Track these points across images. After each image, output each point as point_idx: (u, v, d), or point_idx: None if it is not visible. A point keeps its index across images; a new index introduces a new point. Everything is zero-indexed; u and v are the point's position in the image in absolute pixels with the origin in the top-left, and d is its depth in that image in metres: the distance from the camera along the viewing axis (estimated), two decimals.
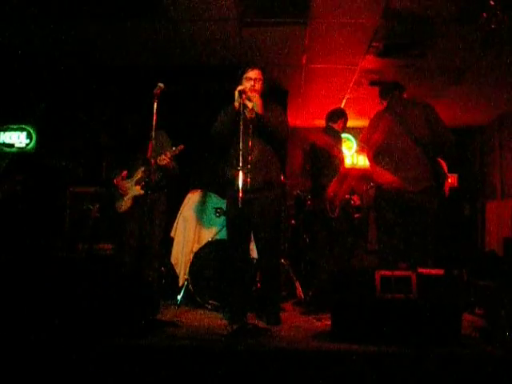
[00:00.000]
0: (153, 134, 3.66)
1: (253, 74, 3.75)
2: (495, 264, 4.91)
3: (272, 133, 3.74)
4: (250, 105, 3.60)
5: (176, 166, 4.41)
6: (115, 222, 4.69)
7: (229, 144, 3.78)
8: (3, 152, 6.48)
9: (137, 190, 4.39)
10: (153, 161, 3.97)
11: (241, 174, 3.30)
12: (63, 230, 5.79)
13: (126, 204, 4.44)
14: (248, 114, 3.63)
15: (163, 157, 4.25)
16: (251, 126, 3.61)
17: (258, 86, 3.74)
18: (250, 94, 3.61)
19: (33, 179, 6.04)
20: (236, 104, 3.59)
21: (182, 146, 4.28)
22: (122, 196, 4.46)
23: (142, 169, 4.39)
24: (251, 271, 4.28)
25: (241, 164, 3.32)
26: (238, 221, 3.65)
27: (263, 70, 3.83)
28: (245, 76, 3.75)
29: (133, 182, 4.43)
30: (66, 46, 5.35)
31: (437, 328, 2.84)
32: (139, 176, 4.40)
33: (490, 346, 2.88)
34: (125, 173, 4.44)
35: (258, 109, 3.64)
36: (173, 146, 4.37)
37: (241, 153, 3.32)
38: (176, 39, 5.19)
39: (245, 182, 3.34)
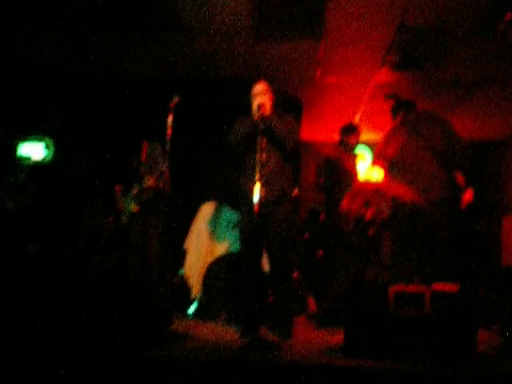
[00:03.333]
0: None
1: (258, 88, 3.77)
2: None
3: (279, 141, 3.70)
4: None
5: (167, 185, 4.19)
6: (119, 234, 4.74)
7: (243, 156, 3.79)
8: (21, 163, 6.55)
9: (132, 207, 4.44)
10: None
11: (257, 186, 3.27)
12: (78, 241, 5.83)
13: (124, 219, 4.54)
14: (255, 117, 3.58)
15: (148, 177, 4.28)
16: (265, 138, 3.57)
17: (266, 98, 3.74)
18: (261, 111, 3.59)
19: (50, 190, 6.11)
20: (255, 117, 3.61)
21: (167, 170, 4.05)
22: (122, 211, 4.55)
23: (136, 185, 4.42)
24: (264, 284, 4.26)
25: (257, 176, 3.30)
26: (252, 234, 3.64)
27: (268, 81, 3.82)
28: (252, 93, 3.78)
29: (128, 199, 4.47)
30: (84, 58, 5.45)
31: (451, 345, 2.79)
32: (134, 192, 4.44)
33: (507, 363, 2.82)
34: (118, 188, 4.48)
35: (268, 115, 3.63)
36: (166, 160, 4.05)
37: (257, 165, 3.32)
38: (191, 52, 5.25)
39: (260, 194, 3.32)
